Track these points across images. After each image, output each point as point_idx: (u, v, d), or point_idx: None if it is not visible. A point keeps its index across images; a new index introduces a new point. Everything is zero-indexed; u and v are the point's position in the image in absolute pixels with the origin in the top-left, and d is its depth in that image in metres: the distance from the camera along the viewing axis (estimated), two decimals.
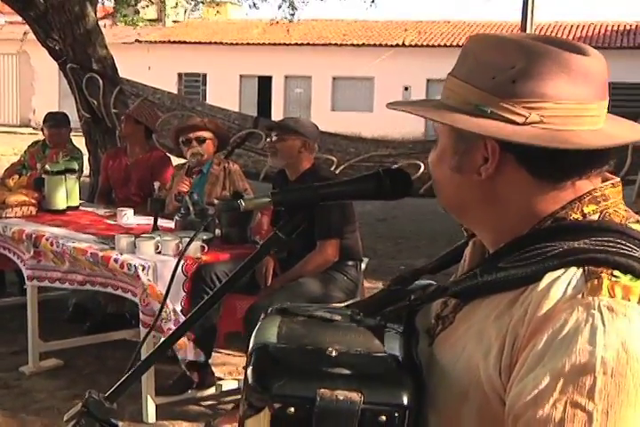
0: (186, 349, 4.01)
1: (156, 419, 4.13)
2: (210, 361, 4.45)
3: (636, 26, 27.92)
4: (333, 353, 1.05)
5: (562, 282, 1.02)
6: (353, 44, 28.90)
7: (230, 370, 4.80)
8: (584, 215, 1.10)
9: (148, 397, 4.10)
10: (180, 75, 30.53)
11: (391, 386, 1.03)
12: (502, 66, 1.10)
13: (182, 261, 4.09)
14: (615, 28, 28.23)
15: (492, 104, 1.10)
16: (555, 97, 1.08)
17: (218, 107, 7.63)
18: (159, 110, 6.99)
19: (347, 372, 1.03)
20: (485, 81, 1.11)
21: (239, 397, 4.16)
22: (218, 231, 4.61)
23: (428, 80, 28.99)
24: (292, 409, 1.01)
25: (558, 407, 0.95)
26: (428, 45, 28.60)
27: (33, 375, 4.69)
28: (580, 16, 70.64)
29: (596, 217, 1.10)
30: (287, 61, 28.83)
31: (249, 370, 1.07)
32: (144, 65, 27.35)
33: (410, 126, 26.54)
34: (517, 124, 1.09)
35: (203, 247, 4.22)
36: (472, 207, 1.17)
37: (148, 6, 13.05)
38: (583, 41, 27.58)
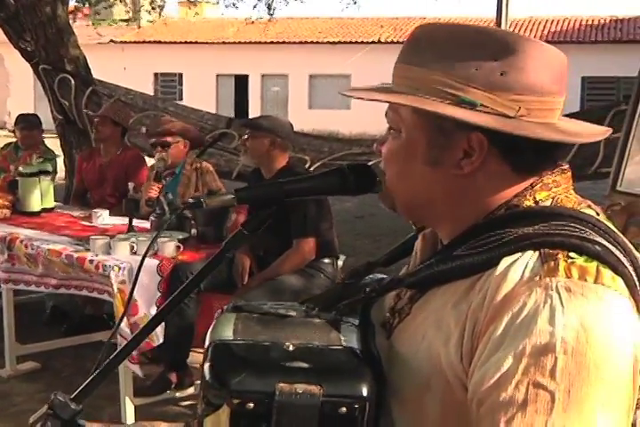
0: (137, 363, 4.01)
1: (135, 420, 4.10)
2: (188, 361, 4.44)
3: (610, 20, 28.08)
4: (290, 348, 1.05)
5: (518, 265, 1.02)
6: (329, 42, 28.90)
7: None
8: (536, 202, 1.11)
9: (127, 398, 4.08)
10: (155, 75, 30.41)
11: (350, 378, 1.03)
12: (483, 57, 1.09)
13: (157, 261, 4.08)
14: (590, 22, 28.37)
15: (479, 97, 1.08)
16: (539, 90, 1.09)
17: (191, 107, 7.61)
18: (132, 110, 6.96)
19: (305, 365, 1.03)
20: (466, 72, 1.09)
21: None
22: (194, 231, 4.60)
23: None
24: (252, 405, 1.00)
25: (521, 389, 0.95)
26: (403, 42, 28.58)
27: (10, 378, 4.67)
28: (555, 11, 70.91)
29: (548, 203, 1.11)
30: (263, 60, 28.78)
31: (205, 367, 1.06)
32: (119, 65, 27.20)
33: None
34: (508, 117, 1.08)
35: (178, 247, 4.21)
36: (438, 203, 1.15)
37: (121, 6, 12.95)
38: (558, 36, 27.74)
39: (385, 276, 1.24)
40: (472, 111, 1.08)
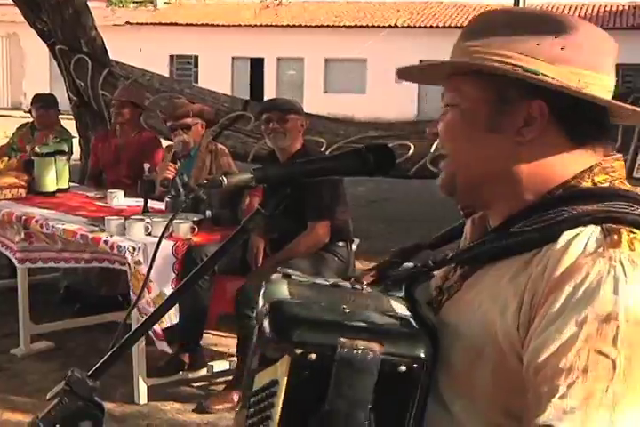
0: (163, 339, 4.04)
1: (148, 400, 4.14)
2: (201, 342, 4.46)
3: (629, 7, 27.84)
4: (347, 310, 1.06)
5: (581, 239, 1.05)
6: (345, 26, 28.78)
7: (222, 351, 4.80)
8: (594, 184, 1.14)
9: (140, 378, 4.10)
10: (171, 57, 30.38)
11: (409, 340, 1.04)
12: (543, 34, 1.14)
13: (172, 243, 4.09)
14: (608, 8, 28.15)
15: (542, 67, 1.12)
16: (595, 67, 1.15)
17: (207, 89, 7.59)
18: (148, 92, 6.95)
19: (365, 325, 1.04)
20: (528, 46, 1.13)
21: (230, 378, 4.19)
22: (208, 213, 4.60)
23: (421, 61, 28.82)
24: (314, 356, 1.01)
25: (582, 356, 0.98)
26: (420, 26, 28.49)
27: (25, 358, 4.70)
28: None
29: (606, 186, 1.14)
30: (279, 43, 28.69)
31: (265, 323, 1.06)
32: (135, 47, 27.20)
33: (402, 108, 26.51)
34: (570, 88, 1.12)
35: (193, 229, 4.21)
36: (498, 176, 1.16)
37: None
38: None
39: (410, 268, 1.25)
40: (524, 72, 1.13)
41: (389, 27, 28.49)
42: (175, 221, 4.25)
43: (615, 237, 1.04)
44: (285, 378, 1.02)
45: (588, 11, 28.24)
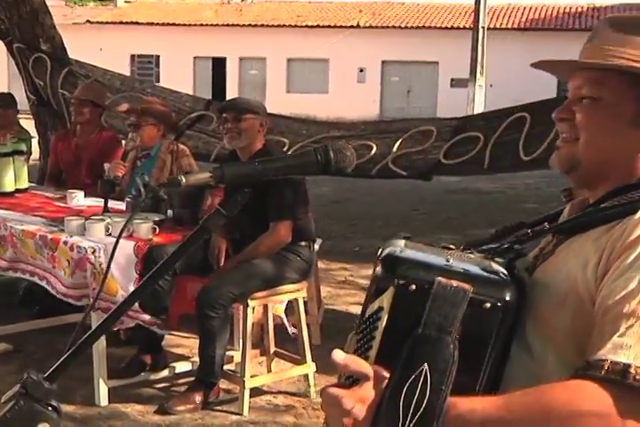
0: (155, 323, 4.03)
1: (109, 402, 4.10)
2: (163, 343, 4.44)
3: (588, 8, 28.17)
4: (451, 260, 1.24)
5: None
6: (307, 26, 28.79)
7: (184, 352, 4.78)
8: None
9: (101, 380, 4.07)
10: (132, 56, 30.18)
11: (497, 285, 1.21)
12: None
13: (133, 243, 4.06)
14: (567, 10, 28.47)
15: None
16: None
17: (169, 89, 7.52)
18: (109, 91, 6.88)
19: (462, 270, 1.22)
20: None
21: (192, 379, 4.17)
22: (170, 213, 4.57)
23: (383, 61, 29.02)
24: (414, 287, 1.19)
25: None
26: (382, 27, 28.59)
27: None
28: None
29: None
30: (241, 43, 28.63)
31: (379, 264, 1.26)
32: (95, 46, 26.98)
33: (365, 109, 26.60)
34: None
35: (154, 229, 4.19)
36: (623, 162, 1.31)
37: None
38: (536, 23, 27.82)
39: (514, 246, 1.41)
40: None
41: (351, 27, 28.55)
42: (136, 221, 4.22)
43: None
44: (389, 305, 1.20)
45: (547, 12, 28.53)
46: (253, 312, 4.21)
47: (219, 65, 29.86)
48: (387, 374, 1.17)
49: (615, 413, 1.11)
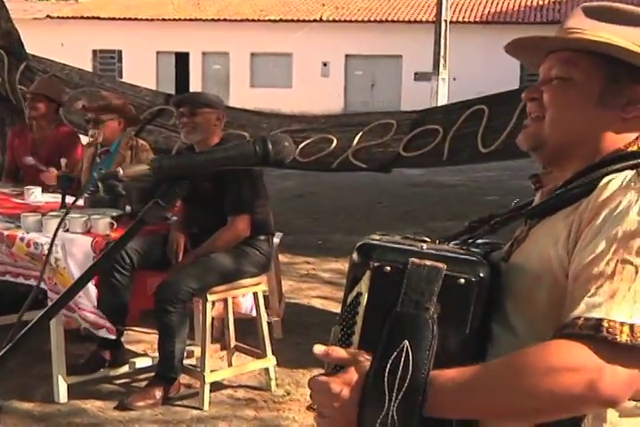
0: (104, 328, 3.99)
1: (68, 399, 4.07)
2: (122, 339, 4.41)
3: (549, 2, 28.39)
4: (424, 247, 1.27)
5: (617, 179, 1.26)
6: (270, 20, 28.72)
7: (145, 348, 4.76)
8: (639, 148, 1.34)
9: (59, 376, 4.04)
10: (94, 51, 29.92)
11: (471, 264, 1.25)
12: None
13: (91, 238, 4.04)
14: (529, 3, 28.66)
15: None
16: None
17: (128, 83, 7.48)
18: (67, 86, 6.83)
19: (435, 253, 1.26)
20: None
21: (153, 374, 4.15)
22: (128, 208, 4.55)
23: (347, 55, 29.05)
24: (389, 268, 1.23)
25: (610, 264, 1.18)
26: (345, 21, 28.60)
27: None
28: None
29: None
30: (204, 38, 28.49)
31: (354, 254, 1.28)
32: (57, 42, 26.72)
33: (329, 103, 26.60)
34: None
35: (112, 224, 4.17)
36: (587, 141, 1.34)
37: None
38: (498, 16, 27.97)
39: (489, 241, 1.46)
40: None
41: (314, 21, 28.53)
42: (94, 216, 4.20)
43: None
44: (367, 288, 1.24)
45: (509, 5, 28.70)
46: (213, 307, 4.21)
47: (182, 60, 29.71)
48: (369, 356, 1.20)
49: (590, 366, 1.13)
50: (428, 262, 1.22)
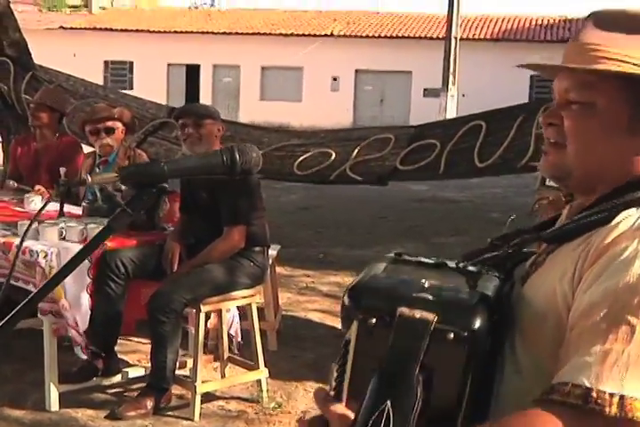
0: (79, 346, 4.00)
1: (60, 407, 4.08)
2: (116, 348, 4.42)
3: (559, 20, 28.46)
4: (426, 284, 1.18)
5: (631, 218, 1.17)
6: (282, 34, 28.85)
7: (140, 358, 4.77)
8: None
9: (51, 384, 4.05)
10: (106, 62, 30.09)
11: (466, 313, 1.15)
12: None
13: None
14: (540, 22, 28.74)
15: None
16: None
17: (131, 95, 7.54)
18: (72, 97, 6.88)
19: (430, 298, 1.16)
20: None
21: (144, 384, 4.16)
22: None
23: (357, 71, 29.13)
24: (374, 320, 1.15)
25: (606, 320, 1.08)
26: (356, 36, 28.71)
27: None
28: (506, 9, 71.37)
29: None
30: (215, 50, 28.64)
31: (345, 296, 1.21)
32: (69, 52, 26.89)
33: (338, 117, 26.66)
34: None
35: None
36: (617, 170, 1.23)
37: None
38: (509, 34, 28.04)
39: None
40: None
41: (325, 35, 28.64)
42: (90, 226, 4.23)
43: None
44: (354, 340, 1.18)
45: (520, 23, 28.78)
46: (209, 317, 4.22)
47: (192, 72, 29.85)
48: (351, 415, 1.15)
49: None
50: (417, 314, 1.13)
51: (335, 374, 1.22)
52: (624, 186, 1.21)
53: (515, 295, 1.26)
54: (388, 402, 1.11)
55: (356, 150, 6.16)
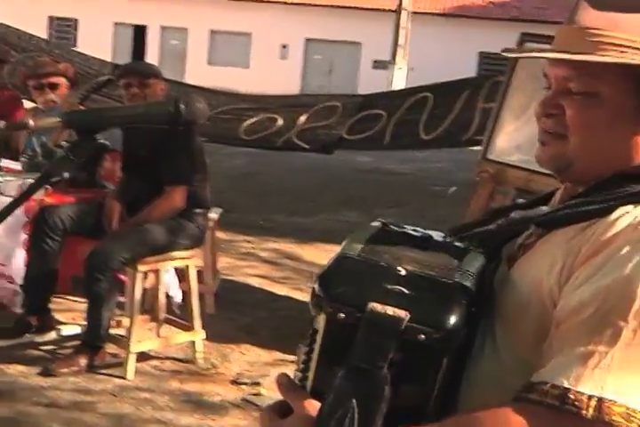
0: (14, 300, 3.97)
1: None
2: (51, 306, 4.39)
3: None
4: (402, 272, 1.12)
5: (630, 215, 1.12)
6: None
7: (74, 316, 4.74)
8: None
9: None
10: (50, 18, 29.40)
11: (440, 311, 1.09)
12: None
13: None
14: None
15: None
16: None
17: (77, 51, 7.40)
18: (15, 50, 6.73)
19: (405, 291, 1.10)
20: None
21: (79, 342, 4.14)
22: (66, 174, 4.50)
23: (307, 39, 28.97)
24: (342, 315, 1.09)
25: (593, 320, 1.06)
26: (308, 4, 28.51)
27: None
28: None
29: None
30: (164, 12, 28.19)
31: (315, 280, 1.14)
32: (12, 7, 26.18)
33: (286, 85, 26.50)
34: None
35: (46, 189, 4.13)
36: (620, 160, 1.19)
37: None
38: (461, 10, 28.13)
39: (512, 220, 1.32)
40: None
41: (276, 2, 28.38)
42: (29, 180, 4.17)
43: None
44: (322, 332, 1.13)
45: (471, 0, 28.84)
46: (146, 277, 4.21)
47: (139, 33, 29.36)
48: (315, 409, 1.11)
49: None
50: (390, 311, 1.07)
51: (303, 357, 1.18)
52: (622, 176, 1.18)
53: (500, 276, 1.23)
54: (354, 400, 1.08)
55: (304, 117, 6.16)
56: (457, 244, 1.21)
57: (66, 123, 1.26)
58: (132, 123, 1.29)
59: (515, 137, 4.32)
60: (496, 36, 26.14)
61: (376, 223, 1.23)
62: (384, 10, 27.44)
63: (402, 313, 1.07)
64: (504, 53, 1.31)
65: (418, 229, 1.23)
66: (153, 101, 1.24)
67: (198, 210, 4.25)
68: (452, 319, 1.08)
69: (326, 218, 8.53)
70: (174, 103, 1.27)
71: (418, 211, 8.48)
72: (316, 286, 1.13)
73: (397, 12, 21.72)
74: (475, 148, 6.85)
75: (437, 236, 1.22)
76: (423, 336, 1.07)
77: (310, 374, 1.15)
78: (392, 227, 1.22)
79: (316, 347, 1.13)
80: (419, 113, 5.84)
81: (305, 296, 5.60)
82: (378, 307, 1.07)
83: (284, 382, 1.18)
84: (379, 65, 27.22)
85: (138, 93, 4.16)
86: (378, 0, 28.78)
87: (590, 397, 1.02)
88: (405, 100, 5.98)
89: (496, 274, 1.23)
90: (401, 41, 21.59)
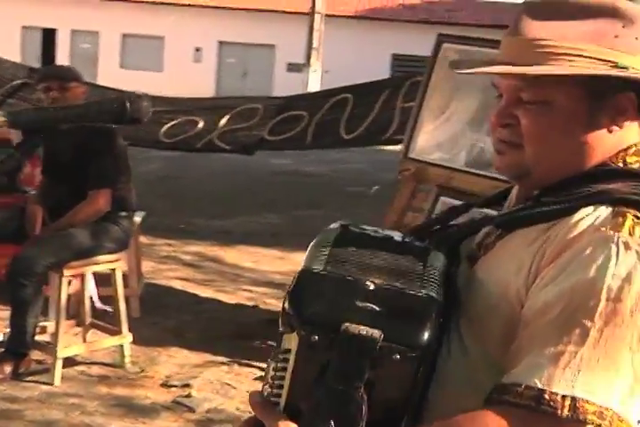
0: None
1: None
2: None
3: (422, 2, 29.07)
4: (371, 287, 1.12)
5: (592, 216, 1.13)
6: (143, 1, 28.19)
7: None
8: (624, 164, 1.22)
9: None
10: None
11: (412, 328, 1.10)
12: (613, 26, 1.18)
13: None
14: (402, 1, 29.23)
15: (628, 61, 1.17)
16: None
17: None
18: None
19: (376, 308, 1.10)
20: (610, 40, 1.18)
21: (2, 350, 4.07)
22: None
23: (220, 42, 28.86)
24: (316, 337, 1.09)
25: (560, 321, 1.08)
26: (220, 7, 28.39)
27: None
28: None
29: (636, 166, 1.22)
30: (74, 15, 27.70)
31: (288, 293, 1.13)
32: None
33: (200, 89, 26.33)
34: None
35: None
36: (574, 164, 1.21)
37: None
38: (372, 12, 28.44)
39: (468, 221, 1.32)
40: (627, 73, 1.18)
41: (189, 5, 28.19)
42: None
43: (620, 220, 1.12)
44: (294, 353, 1.11)
45: (384, 2, 29.17)
46: (70, 282, 4.16)
47: (49, 36, 28.78)
48: None
49: None
50: (364, 331, 1.07)
51: (272, 373, 1.16)
52: (581, 177, 1.20)
53: (462, 277, 1.24)
54: (332, 422, 1.08)
55: (224, 120, 6.16)
56: (417, 243, 1.22)
57: (11, 122, 1.27)
58: (79, 121, 1.31)
59: (435, 136, 4.42)
60: (408, 38, 26.62)
61: (335, 225, 1.23)
62: (297, 12, 27.53)
63: (376, 333, 1.08)
64: (457, 71, 1.27)
65: (378, 229, 1.24)
66: (100, 100, 1.24)
67: (123, 213, 4.22)
68: (425, 335, 1.09)
69: (247, 220, 8.55)
70: (121, 101, 1.29)
71: (334, 211, 8.57)
72: (287, 305, 1.12)
73: (311, 14, 21.83)
74: (392, 147, 7.00)
75: (397, 236, 1.23)
76: (398, 356, 1.08)
77: (283, 393, 1.14)
78: (352, 228, 1.22)
79: (290, 366, 1.12)
80: (340, 113, 5.94)
81: (229, 298, 5.63)
82: (351, 327, 1.08)
83: (258, 402, 1.17)
84: (293, 68, 27.29)
85: (58, 97, 4.08)
86: (291, 3, 28.85)
87: (564, 397, 1.05)
88: (326, 100, 6.06)
89: (458, 273, 1.24)
90: (315, 44, 21.71)
